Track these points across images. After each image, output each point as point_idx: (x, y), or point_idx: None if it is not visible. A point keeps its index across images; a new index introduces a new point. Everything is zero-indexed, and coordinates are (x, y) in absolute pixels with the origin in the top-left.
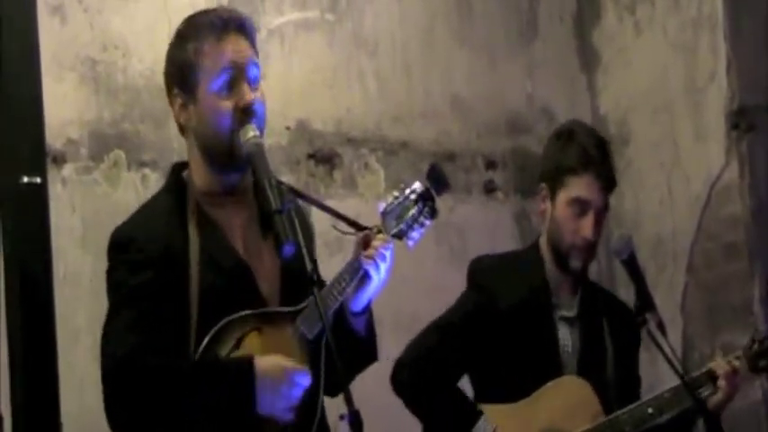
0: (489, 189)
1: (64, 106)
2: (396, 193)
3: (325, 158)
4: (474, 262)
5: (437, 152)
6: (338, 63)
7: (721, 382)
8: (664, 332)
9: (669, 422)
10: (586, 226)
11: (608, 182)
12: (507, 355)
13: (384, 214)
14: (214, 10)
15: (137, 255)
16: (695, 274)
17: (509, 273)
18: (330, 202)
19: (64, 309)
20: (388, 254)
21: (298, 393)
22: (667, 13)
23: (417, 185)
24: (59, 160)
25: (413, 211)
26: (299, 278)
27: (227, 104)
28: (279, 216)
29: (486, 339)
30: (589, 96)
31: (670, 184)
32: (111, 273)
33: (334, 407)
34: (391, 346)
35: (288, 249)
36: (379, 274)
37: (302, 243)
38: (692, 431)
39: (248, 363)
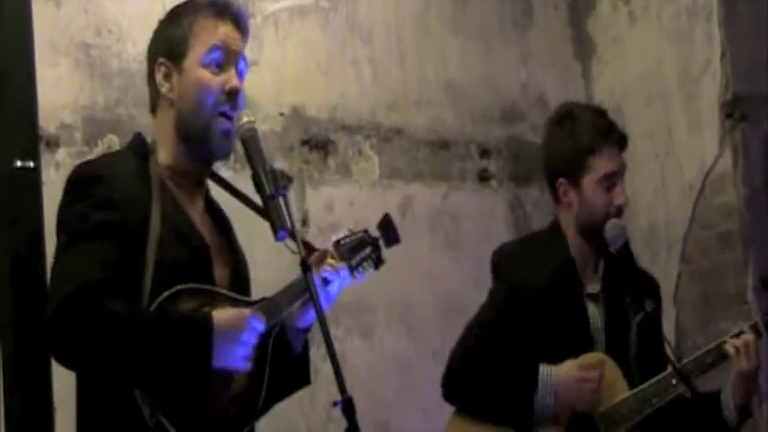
0: (483, 177)
1: (58, 91)
2: (347, 232)
3: (319, 145)
4: (496, 251)
5: (431, 139)
6: (332, 49)
7: (730, 349)
8: None
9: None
10: (618, 194)
11: (623, 142)
12: (541, 336)
13: (337, 246)
14: None
15: (104, 192)
16: (689, 262)
17: (534, 255)
18: (324, 189)
19: None
20: (334, 279)
21: (254, 339)
22: (662, 2)
23: (367, 232)
24: (53, 144)
25: (362, 253)
26: (244, 280)
27: (216, 81)
28: (272, 201)
29: (519, 324)
30: (584, 85)
31: (664, 172)
32: (71, 204)
33: (327, 393)
34: (383, 332)
35: (282, 234)
36: (325, 300)
37: (296, 229)
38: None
39: (206, 316)
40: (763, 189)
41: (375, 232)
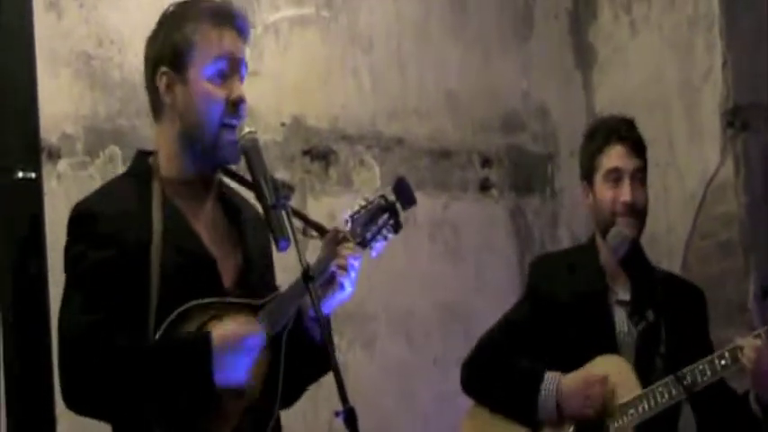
0: (484, 186)
1: (59, 101)
2: (362, 202)
3: (320, 155)
4: (534, 259)
5: (432, 149)
6: (333, 59)
7: (749, 353)
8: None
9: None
10: (623, 191)
11: (634, 145)
12: (567, 344)
13: (350, 221)
14: (213, 1)
15: (99, 230)
16: (690, 271)
17: (565, 265)
18: (325, 199)
19: (58, 304)
20: (357, 264)
21: (254, 356)
22: (663, 12)
23: (384, 197)
24: (54, 155)
25: (378, 222)
26: (260, 274)
27: (220, 93)
28: (273, 211)
29: (546, 330)
30: (584, 94)
31: (665, 182)
32: (70, 246)
33: (329, 404)
34: (385, 342)
35: (283, 244)
36: (351, 285)
37: (296, 239)
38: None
39: (204, 337)
40: (764, 198)
41: (391, 196)
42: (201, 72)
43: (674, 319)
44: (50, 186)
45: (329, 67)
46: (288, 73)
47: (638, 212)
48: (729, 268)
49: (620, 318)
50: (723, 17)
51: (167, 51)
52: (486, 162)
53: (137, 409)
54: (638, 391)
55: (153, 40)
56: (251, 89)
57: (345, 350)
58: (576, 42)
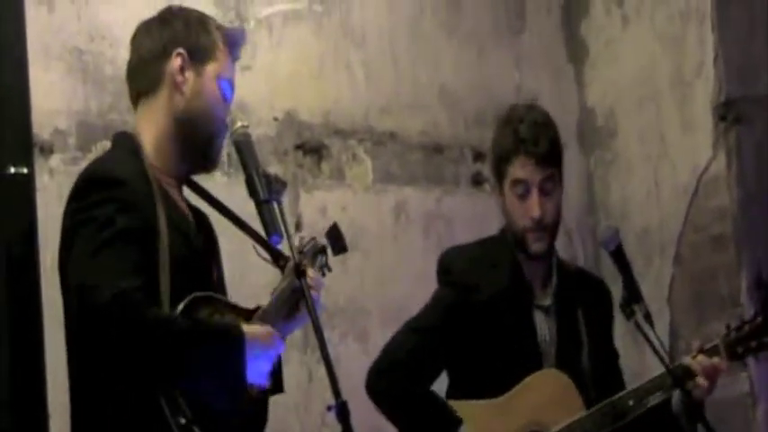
0: (477, 181)
1: (51, 96)
2: (306, 238)
3: (312, 149)
4: (444, 256)
5: (425, 143)
6: (326, 54)
7: (701, 380)
8: (651, 323)
9: (653, 416)
10: (531, 206)
11: (541, 157)
12: (486, 347)
13: (301, 252)
14: (234, 29)
15: (125, 195)
16: (682, 265)
17: (482, 262)
18: (318, 194)
19: (51, 299)
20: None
21: (273, 362)
22: (655, 5)
23: (319, 240)
24: (46, 150)
25: (318, 261)
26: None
27: (225, 104)
28: (266, 206)
29: (464, 334)
30: (576, 88)
31: (657, 175)
32: (94, 206)
33: (322, 398)
34: (378, 336)
35: (275, 239)
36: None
37: (289, 233)
38: (678, 423)
39: (238, 328)
40: (757, 191)
41: (322, 240)
42: (219, 76)
43: (593, 324)
44: (43, 182)
45: (322, 61)
46: (280, 68)
47: (546, 226)
48: (721, 262)
49: (541, 323)
50: (715, 10)
51: (191, 39)
52: (478, 156)
53: (157, 377)
54: (582, 411)
55: (166, 25)
56: (243, 84)
57: (337, 343)
58: (568, 36)
